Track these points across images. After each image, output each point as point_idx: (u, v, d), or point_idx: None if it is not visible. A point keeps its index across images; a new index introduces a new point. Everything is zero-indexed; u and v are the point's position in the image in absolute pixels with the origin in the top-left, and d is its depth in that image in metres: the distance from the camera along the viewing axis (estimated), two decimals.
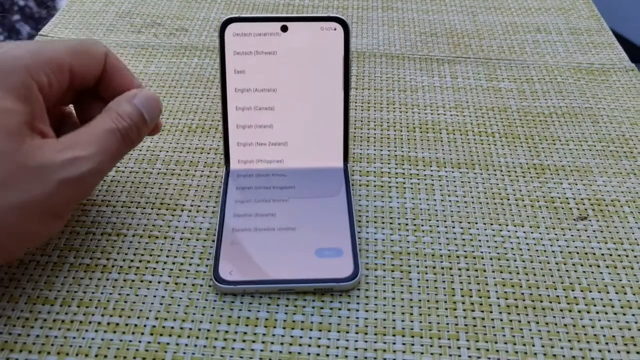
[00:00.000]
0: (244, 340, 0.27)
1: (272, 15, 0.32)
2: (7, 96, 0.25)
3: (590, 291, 0.30)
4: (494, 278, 0.30)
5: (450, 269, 0.30)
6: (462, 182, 0.35)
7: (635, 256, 0.31)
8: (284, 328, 0.27)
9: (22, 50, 0.26)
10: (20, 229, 0.25)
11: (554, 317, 0.28)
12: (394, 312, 0.28)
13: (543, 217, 0.33)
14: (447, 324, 0.28)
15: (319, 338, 0.27)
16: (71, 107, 0.32)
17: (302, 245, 0.30)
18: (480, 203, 0.34)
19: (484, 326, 0.28)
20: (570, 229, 0.33)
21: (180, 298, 0.29)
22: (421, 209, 0.34)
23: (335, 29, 0.32)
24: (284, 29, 0.32)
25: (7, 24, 1.67)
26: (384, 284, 0.30)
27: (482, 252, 0.31)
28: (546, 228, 0.33)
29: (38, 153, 0.25)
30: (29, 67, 0.26)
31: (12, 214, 0.24)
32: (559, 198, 0.35)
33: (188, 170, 0.36)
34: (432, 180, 0.36)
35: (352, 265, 0.29)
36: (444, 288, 0.29)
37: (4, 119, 0.24)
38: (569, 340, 0.27)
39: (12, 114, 0.25)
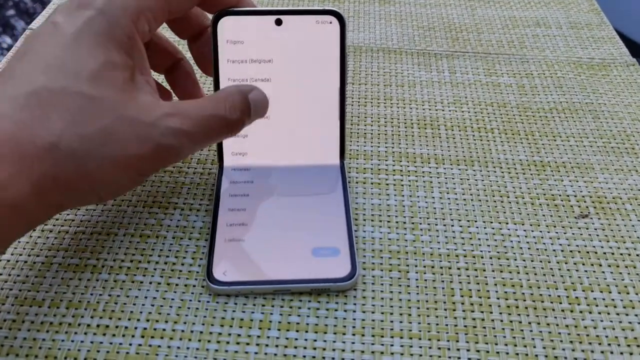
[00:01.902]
0: (237, 343, 0.26)
1: (265, 9, 0.31)
2: (113, 48, 0.25)
3: (592, 291, 0.29)
4: (494, 278, 0.29)
5: (450, 268, 0.30)
6: (461, 179, 0.35)
7: (637, 255, 0.31)
8: (279, 330, 0.27)
9: None
10: (111, 180, 0.25)
11: (555, 317, 0.28)
12: (391, 313, 0.28)
13: (544, 215, 0.33)
14: (446, 325, 0.27)
15: (315, 340, 0.26)
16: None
17: (298, 244, 0.29)
18: (480, 200, 0.33)
19: (484, 327, 0.27)
20: (571, 227, 0.32)
21: (173, 299, 0.28)
22: (419, 207, 0.33)
23: (330, 23, 0.31)
24: (278, 22, 0.31)
25: (1, 19, 1.65)
26: (382, 284, 0.29)
27: (481, 251, 0.31)
28: (547, 226, 0.32)
29: (144, 111, 0.25)
30: (133, 17, 0.26)
31: (109, 165, 0.24)
32: (560, 195, 0.34)
33: (181, 168, 0.35)
34: (431, 177, 0.35)
35: (350, 265, 0.28)
36: (443, 288, 0.29)
37: (113, 71, 0.25)
38: (571, 342, 0.27)
39: (119, 68, 0.25)
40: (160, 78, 0.37)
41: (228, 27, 0.31)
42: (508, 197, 0.34)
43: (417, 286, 0.29)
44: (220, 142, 0.33)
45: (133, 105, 0.25)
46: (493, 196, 0.34)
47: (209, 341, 0.26)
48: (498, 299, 0.28)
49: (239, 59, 0.32)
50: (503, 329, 0.27)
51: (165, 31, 0.45)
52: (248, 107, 0.28)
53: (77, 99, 0.24)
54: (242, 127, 0.29)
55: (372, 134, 0.38)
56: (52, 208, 0.24)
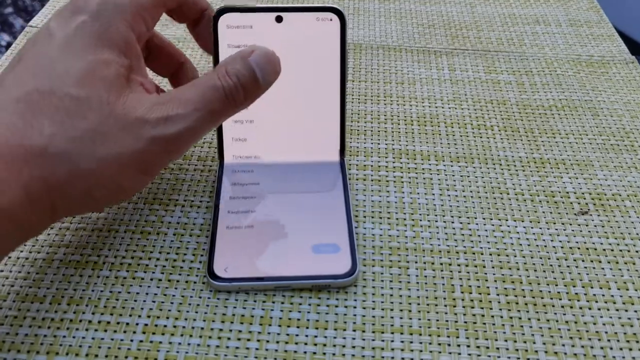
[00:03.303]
0: (238, 339, 0.26)
1: (266, 6, 0.31)
2: (105, 48, 0.25)
3: (592, 287, 0.29)
4: (494, 274, 0.29)
5: (450, 264, 0.30)
6: (460, 176, 0.35)
7: (637, 251, 0.31)
8: (279, 326, 0.27)
9: None
10: (107, 181, 0.24)
11: (555, 313, 0.28)
12: (392, 309, 0.28)
13: (543, 212, 0.33)
14: (447, 321, 0.27)
15: (316, 336, 0.27)
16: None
17: (299, 241, 0.29)
18: (480, 197, 0.33)
19: (484, 323, 0.27)
20: (571, 224, 0.32)
21: (174, 295, 0.28)
22: (419, 204, 0.33)
23: (331, 20, 0.31)
24: (279, 19, 0.31)
25: None
26: (382, 280, 0.29)
27: (481, 248, 0.31)
28: (546, 223, 0.32)
29: (132, 107, 0.24)
30: (128, 19, 0.26)
31: (102, 165, 0.24)
32: (559, 192, 0.34)
33: (181, 165, 0.35)
34: (431, 174, 0.35)
35: (350, 262, 0.28)
36: (443, 284, 0.29)
37: (102, 70, 0.24)
38: (571, 337, 0.27)
39: (110, 66, 0.25)
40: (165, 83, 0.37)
41: (228, 26, 0.31)
42: (508, 194, 0.34)
43: (417, 282, 0.29)
44: (220, 140, 0.33)
45: (122, 102, 0.24)
46: (493, 193, 0.34)
47: (209, 337, 0.26)
48: (498, 295, 0.28)
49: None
50: (503, 325, 0.27)
51: (162, 29, 0.45)
52: (249, 70, 0.26)
53: (65, 100, 0.23)
54: (252, 93, 0.27)
55: (372, 131, 0.38)
56: (46, 215, 0.24)
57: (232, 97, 0.26)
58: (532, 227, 0.32)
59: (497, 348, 0.26)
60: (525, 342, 0.27)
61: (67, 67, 0.24)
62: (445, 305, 0.28)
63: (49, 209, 0.24)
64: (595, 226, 0.32)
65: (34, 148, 0.23)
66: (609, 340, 0.27)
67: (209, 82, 0.26)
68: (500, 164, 0.36)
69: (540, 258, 0.30)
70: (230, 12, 0.31)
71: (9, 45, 1.41)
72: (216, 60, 0.32)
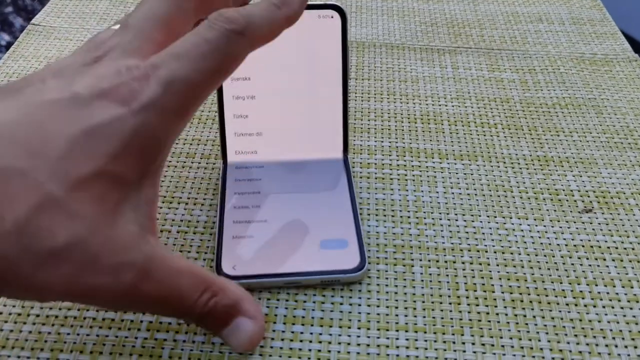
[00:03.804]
0: None
1: None
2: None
3: (596, 285, 0.29)
4: (499, 272, 0.29)
5: (454, 262, 0.30)
6: (464, 174, 0.35)
7: None
8: (284, 324, 0.27)
9: None
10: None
11: (560, 311, 0.28)
12: (396, 307, 0.28)
13: (547, 210, 0.33)
14: (451, 318, 0.27)
15: (320, 334, 0.26)
16: None
17: (306, 237, 0.29)
18: (484, 195, 0.33)
19: (489, 321, 0.27)
20: (575, 222, 0.32)
21: None
22: (423, 202, 0.33)
23: (332, 17, 0.31)
24: None
25: None
26: (387, 278, 0.29)
27: (485, 246, 0.31)
28: (551, 221, 0.32)
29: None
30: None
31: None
32: (564, 190, 0.34)
33: (185, 162, 0.35)
34: (435, 172, 0.35)
35: (359, 256, 0.28)
36: (448, 282, 0.29)
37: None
38: (575, 335, 0.27)
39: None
40: None
41: None
42: (512, 191, 0.34)
43: (422, 280, 0.29)
44: (223, 138, 0.33)
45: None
46: (497, 191, 0.34)
47: (214, 335, 0.26)
48: (502, 292, 0.28)
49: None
50: (508, 322, 0.27)
51: None
52: None
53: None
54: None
55: (375, 129, 0.38)
56: None
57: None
58: (536, 225, 0.32)
59: (502, 346, 0.26)
60: (530, 339, 0.27)
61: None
62: (450, 303, 0.28)
63: None
64: (600, 224, 0.32)
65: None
66: (613, 338, 0.27)
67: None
68: (504, 162, 0.36)
69: (545, 256, 0.30)
70: None
71: (9, 45, 1.41)
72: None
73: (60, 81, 0.21)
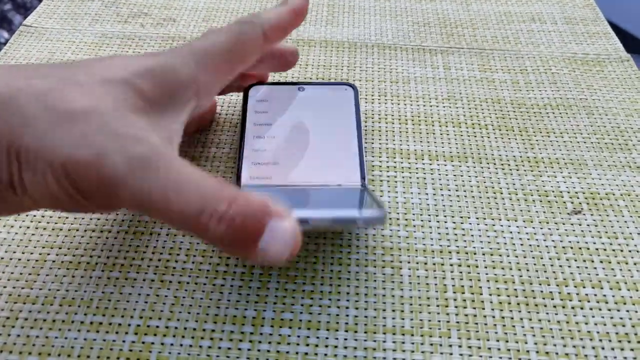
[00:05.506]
0: (230, 340, 0.26)
1: (291, 82, 0.37)
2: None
3: (584, 287, 0.29)
4: (487, 274, 0.29)
5: (442, 264, 0.30)
6: (454, 175, 0.35)
7: (630, 251, 0.31)
8: (271, 326, 0.27)
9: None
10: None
11: (547, 313, 0.28)
12: (384, 310, 0.28)
13: (537, 211, 0.33)
14: (439, 321, 0.27)
15: (308, 337, 0.27)
16: None
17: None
18: (473, 197, 0.33)
19: (476, 323, 0.27)
20: (564, 224, 0.32)
21: (166, 296, 0.28)
22: (413, 204, 0.33)
23: (346, 89, 0.36)
24: (301, 89, 0.36)
25: None
26: (375, 281, 0.29)
27: (474, 248, 0.31)
28: (540, 222, 0.32)
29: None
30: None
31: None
32: (553, 192, 0.34)
33: None
34: (424, 173, 0.35)
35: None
36: (436, 284, 0.29)
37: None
38: (562, 337, 0.27)
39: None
40: None
41: (257, 91, 0.36)
42: (501, 193, 0.34)
43: (410, 283, 0.29)
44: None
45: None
46: (486, 192, 0.34)
47: (202, 338, 0.26)
48: (490, 295, 0.28)
49: (263, 112, 0.35)
50: (495, 325, 0.27)
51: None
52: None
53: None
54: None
55: (365, 130, 0.38)
56: None
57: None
58: (525, 227, 0.32)
59: (489, 348, 0.26)
60: (517, 342, 0.27)
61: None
62: (438, 306, 0.28)
63: None
64: (589, 225, 0.32)
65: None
66: (600, 340, 0.27)
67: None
68: (494, 163, 0.36)
69: (533, 258, 0.30)
70: (258, 85, 0.36)
71: (7, 42, 1.40)
72: (243, 118, 0.34)
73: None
